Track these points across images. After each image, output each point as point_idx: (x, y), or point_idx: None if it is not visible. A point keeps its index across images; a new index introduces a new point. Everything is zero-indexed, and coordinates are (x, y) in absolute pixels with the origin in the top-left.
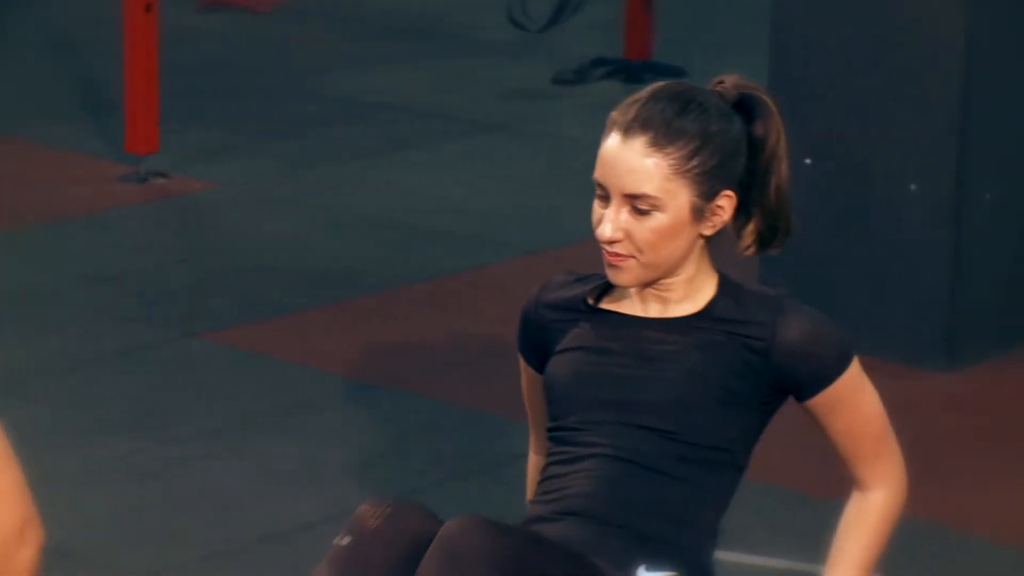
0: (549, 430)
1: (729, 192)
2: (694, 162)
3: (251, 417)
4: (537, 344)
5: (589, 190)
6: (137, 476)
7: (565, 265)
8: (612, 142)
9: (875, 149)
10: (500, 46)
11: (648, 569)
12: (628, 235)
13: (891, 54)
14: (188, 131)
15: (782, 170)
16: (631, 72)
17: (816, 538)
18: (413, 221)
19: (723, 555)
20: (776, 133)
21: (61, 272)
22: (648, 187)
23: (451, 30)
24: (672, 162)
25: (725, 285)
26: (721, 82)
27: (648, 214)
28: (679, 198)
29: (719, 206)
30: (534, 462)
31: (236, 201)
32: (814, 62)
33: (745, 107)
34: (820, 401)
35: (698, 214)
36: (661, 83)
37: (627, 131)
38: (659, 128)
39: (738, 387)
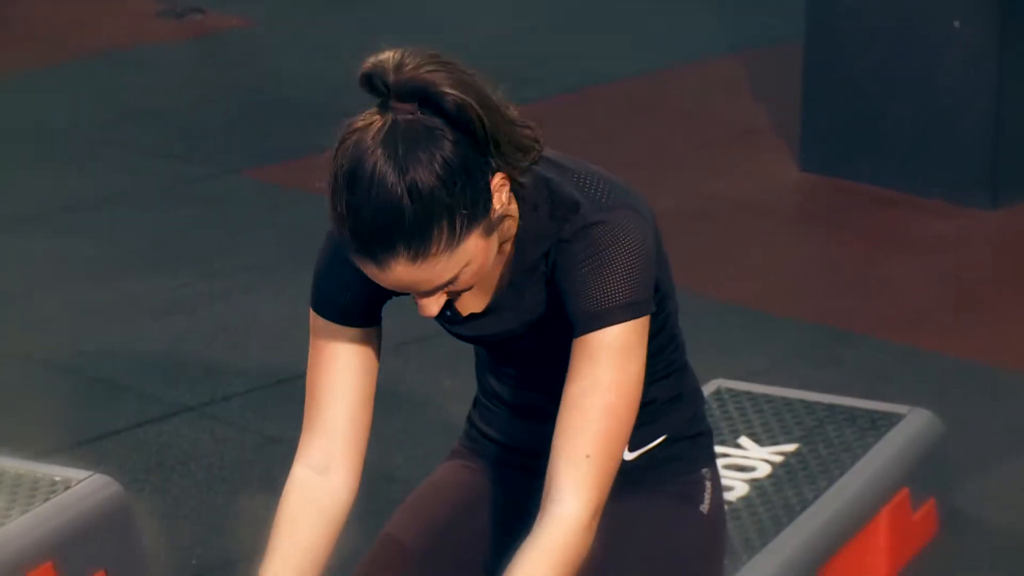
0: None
1: (495, 181)
2: (456, 225)
3: (293, 253)
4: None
5: (620, 29)
6: (181, 310)
7: (597, 104)
8: (372, 271)
9: None
10: None
11: (630, 450)
12: (452, 293)
13: None
14: None
15: (497, 119)
16: None
17: (858, 372)
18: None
19: (763, 389)
20: (470, 102)
21: (100, 108)
22: (445, 276)
23: None
24: (443, 247)
25: (526, 230)
26: (384, 88)
27: (458, 277)
28: (471, 249)
29: (495, 205)
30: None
31: (272, 38)
32: None
33: (432, 104)
34: (574, 347)
35: (489, 231)
36: (336, 177)
37: (374, 258)
38: (400, 241)
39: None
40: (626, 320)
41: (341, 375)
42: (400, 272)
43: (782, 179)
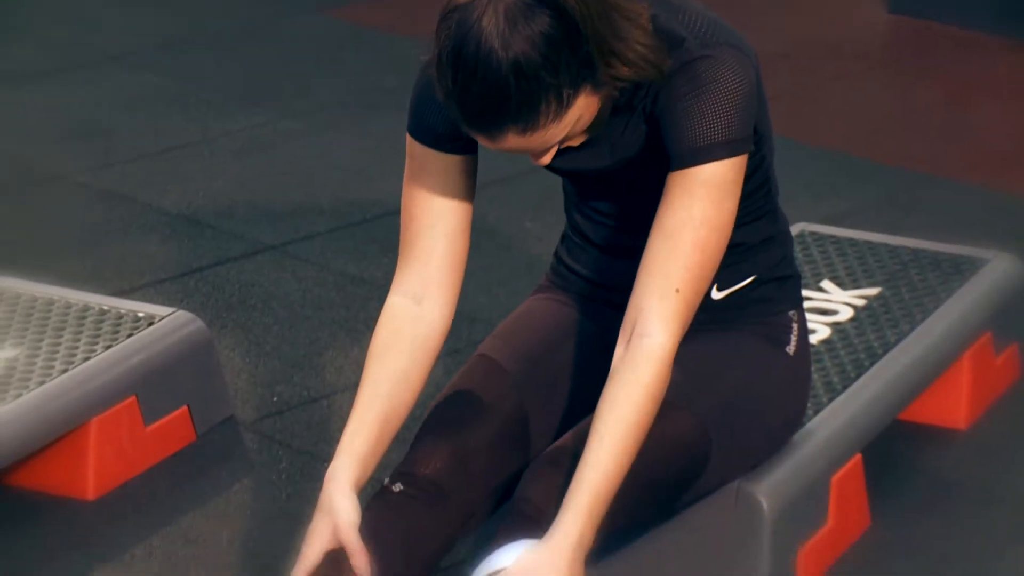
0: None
1: (599, 48)
2: (563, 96)
3: (374, 93)
4: None
5: None
6: (263, 149)
7: None
8: (483, 141)
9: None
10: None
11: (719, 289)
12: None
13: None
14: None
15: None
16: None
17: (943, 217)
18: None
19: (847, 232)
20: None
21: None
22: (556, 139)
23: None
24: (552, 118)
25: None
26: None
27: (569, 134)
28: (580, 107)
29: (601, 68)
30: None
31: None
32: None
33: None
34: (670, 180)
35: (597, 88)
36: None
37: (484, 132)
38: (508, 120)
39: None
40: (725, 157)
41: (437, 202)
42: (511, 143)
43: (869, 21)
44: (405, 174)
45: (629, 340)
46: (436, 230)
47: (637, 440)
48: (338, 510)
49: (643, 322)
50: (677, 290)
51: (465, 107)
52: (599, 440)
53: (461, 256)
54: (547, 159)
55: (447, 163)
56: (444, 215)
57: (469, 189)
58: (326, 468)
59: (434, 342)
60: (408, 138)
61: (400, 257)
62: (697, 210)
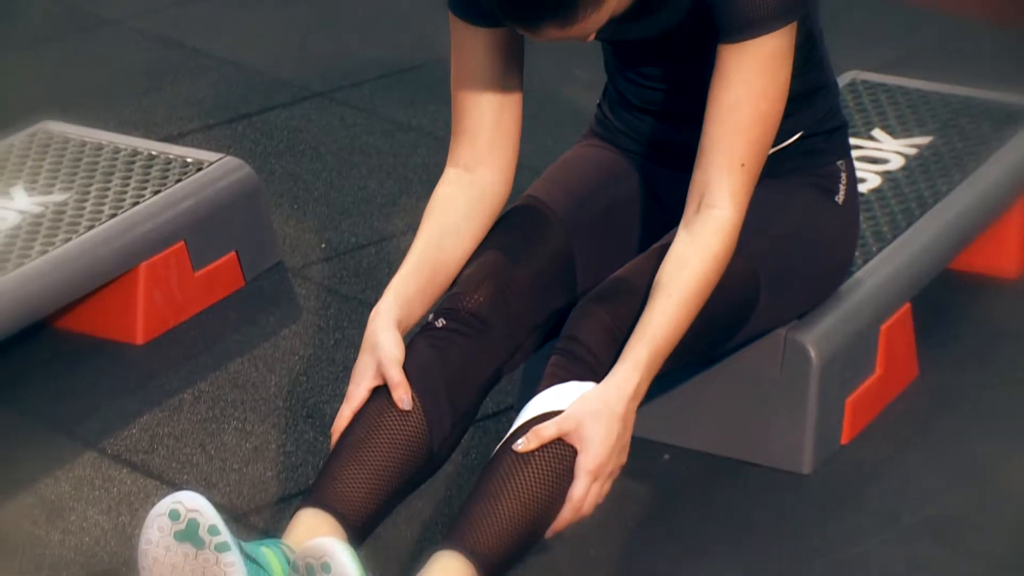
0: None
1: None
2: None
3: None
4: None
5: None
6: None
7: None
8: (523, 33)
9: None
10: None
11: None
12: None
13: None
14: None
15: None
16: None
17: (995, 65)
18: None
19: (898, 80)
20: None
21: None
22: (598, 25)
23: None
24: (590, 9)
25: None
26: None
27: (611, 14)
28: None
29: None
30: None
31: None
32: None
33: None
34: (723, 53)
35: None
36: None
37: (523, 27)
38: (547, 18)
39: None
40: (779, 28)
41: (482, 76)
42: (551, 35)
43: None
44: (451, 49)
45: (697, 211)
46: (483, 105)
47: (700, 303)
48: (382, 346)
49: (711, 195)
50: (742, 164)
51: (503, 3)
52: (666, 296)
53: (512, 126)
54: (590, 39)
55: (489, 37)
56: (490, 89)
57: (515, 60)
58: None
59: (489, 206)
60: (450, 16)
61: (452, 131)
62: (755, 84)
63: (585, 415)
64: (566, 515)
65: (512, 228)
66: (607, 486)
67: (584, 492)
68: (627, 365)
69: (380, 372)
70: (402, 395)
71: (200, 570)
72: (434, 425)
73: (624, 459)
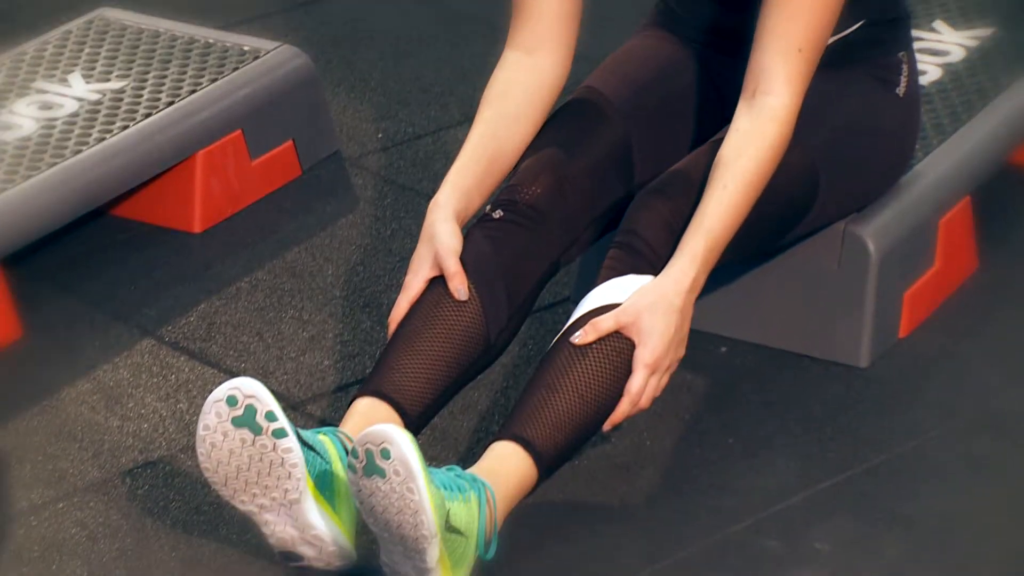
0: None
1: None
2: None
3: None
4: None
5: None
6: None
7: None
8: None
9: None
10: None
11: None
12: None
13: None
14: None
15: None
16: None
17: None
18: None
19: None
20: None
21: None
22: None
23: None
24: None
25: None
26: None
27: None
28: None
29: None
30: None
31: None
32: None
33: None
34: None
35: None
36: None
37: None
38: None
39: None
40: None
41: None
42: None
43: None
44: None
45: (753, 98)
46: None
47: (756, 193)
48: (439, 237)
49: (766, 82)
50: (800, 50)
51: None
52: (722, 187)
53: (573, 9)
54: None
55: None
56: None
57: None
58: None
59: (547, 91)
60: None
61: (513, 13)
62: None
63: (643, 308)
64: (623, 408)
65: (570, 119)
66: (665, 379)
67: (642, 385)
68: (684, 258)
69: (437, 263)
70: (458, 286)
71: (257, 456)
72: (490, 316)
73: (682, 352)
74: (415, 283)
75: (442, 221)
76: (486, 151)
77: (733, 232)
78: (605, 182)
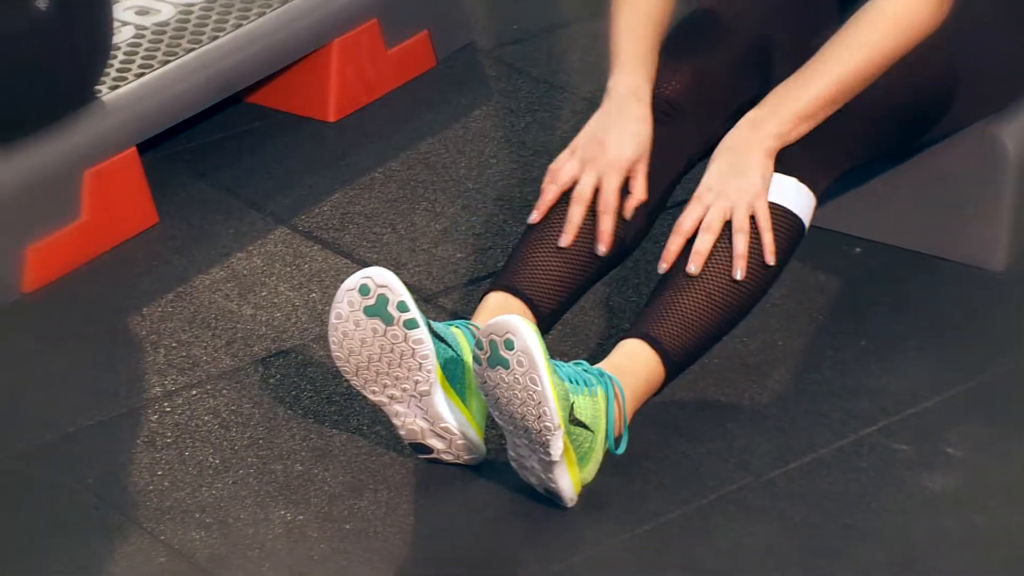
0: None
1: None
2: None
3: None
4: None
5: None
6: None
7: None
8: None
9: None
10: None
11: None
12: None
13: None
14: None
15: None
16: None
17: None
18: None
19: None
20: None
21: None
22: None
23: None
24: None
25: None
26: None
27: None
28: None
29: None
30: None
31: None
32: None
33: None
34: None
35: None
36: None
37: None
38: None
39: None
40: None
41: None
42: None
43: None
44: None
45: None
46: None
47: (870, 64)
48: (631, 143)
49: None
50: None
51: None
52: (832, 48)
53: None
54: None
55: None
56: None
57: None
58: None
59: None
60: None
61: None
62: None
63: (730, 144)
64: (670, 241)
65: (709, 11)
66: (716, 214)
67: (688, 217)
68: (764, 106)
69: (619, 167)
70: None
71: (389, 346)
72: (631, 218)
73: (747, 197)
74: (566, 177)
75: (639, 121)
76: (645, 31)
77: (837, 96)
78: (744, 77)
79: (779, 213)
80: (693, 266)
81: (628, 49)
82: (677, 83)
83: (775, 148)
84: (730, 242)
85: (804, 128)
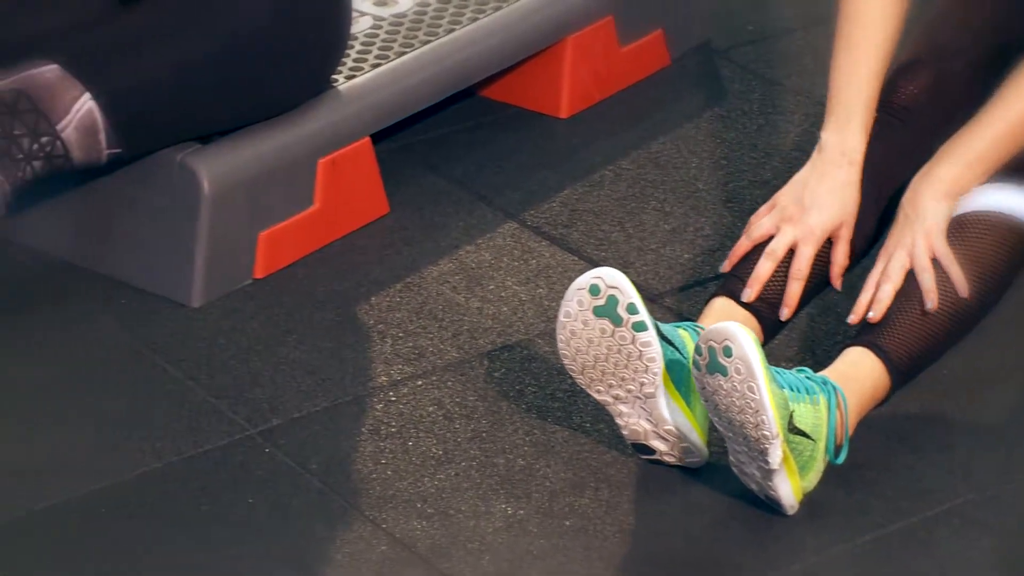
0: None
1: None
2: None
3: None
4: None
5: None
6: None
7: None
8: None
9: None
10: None
11: None
12: None
13: None
14: None
15: None
16: None
17: None
18: None
19: None
20: None
21: None
22: None
23: None
24: None
25: None
26: None
27: None
28: None
29: None
30: None
31: None
32: None
33: None
34: None
35: None
36: None
37: None
38: None
39: None
40: None
41: None
42: None
43: None
44: None
45: None
46: None
47: None
48: (845, 201)
49: None
50: None
51: None
52: (1006, 90)
53: None
54: None
55: None
56: None
57: None
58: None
59: None
60: None
61: None
62: None
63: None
64: (861, 296)
65: (951, 11)
66: (895, 264)
67: (873, 273)
68: (935, 156)
69: (818, 236)
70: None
71: (616, 347)
72: (858, 225)
73: (922, 238)
74: (762, 232)
75: (846, 186)
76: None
77: (1010, 141)
78: (985, 79)
79: (990, 221)
80: (874, 313)
81: (844, 100)
82: (915, 87)
83: (948, 192)
84: (962, 250)
85: (979, 171)
